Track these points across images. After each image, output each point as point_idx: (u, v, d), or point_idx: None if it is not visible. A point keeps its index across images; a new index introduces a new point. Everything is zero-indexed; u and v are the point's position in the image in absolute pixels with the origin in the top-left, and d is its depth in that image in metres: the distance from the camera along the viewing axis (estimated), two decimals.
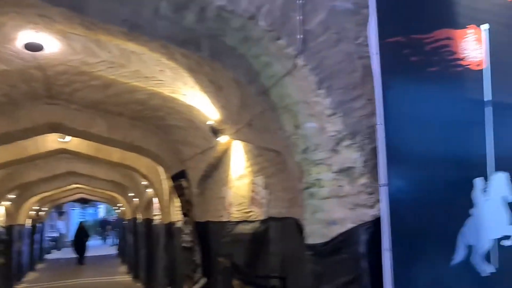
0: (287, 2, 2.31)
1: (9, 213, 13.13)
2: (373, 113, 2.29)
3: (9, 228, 13.13)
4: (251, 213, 4.23)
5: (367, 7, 2.31)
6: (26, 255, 16.43)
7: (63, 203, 26.07)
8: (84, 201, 25.72)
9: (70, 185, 14.23)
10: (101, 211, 38.91)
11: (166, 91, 4.72)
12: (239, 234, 4.48)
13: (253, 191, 4.18)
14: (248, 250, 4.21)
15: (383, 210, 2.21)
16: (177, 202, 7.58)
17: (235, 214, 4.68)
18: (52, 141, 7.52)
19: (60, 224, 31.63)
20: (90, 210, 39.76)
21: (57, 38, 3.95)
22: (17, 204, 13.73)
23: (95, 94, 5.28)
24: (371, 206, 2.33)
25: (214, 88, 4.09)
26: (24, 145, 7.20)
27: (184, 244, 6.38)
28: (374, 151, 2.31)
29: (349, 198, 2.39)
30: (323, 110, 2.36)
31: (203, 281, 5.76)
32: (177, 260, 7.70)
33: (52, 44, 4.03)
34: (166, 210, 8.18)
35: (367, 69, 2.33)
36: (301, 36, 2.30)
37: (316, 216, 2.69)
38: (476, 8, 2.67)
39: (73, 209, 36.16)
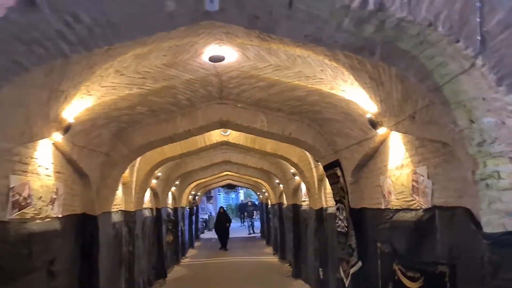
0: (465, 7, 2.46)
1: (174, 197, 15.18)
2: None
3: (174, 210, 15.19)
4: (412, 202, 4.39)
5: None
6: (186, 234, 18.75)
7: (212, 188, 28.80)
8: (229, 187, 28.07)
9: (222, 172, 15.78)
10: (241, 195, 41.79)
11: (325, 88, 5.10)
12: (400, 221, 4.68)
13: (414, 180, 4.33)
14: (411, 237, 4.40)
15: None
16: (328, 189, 8.01)
17: (394, 202, 4.88)
18: (216, 135, 8.58)
19: (209, 207, 34.94)
20: (232, 194, 43.07)
21: (236, 50, 4.61)
22: (180, 190, 15.77)
23: (259, 94, 5.93)
24: None
25: (375, 84, 4.34)
26: (195, 139, 8.36)
27: (339, 229, 6.77)
28: None
29: None
30: (504, 106, 2.47)
31: (359, 264, 6.09)
32: (328, 243, 8.15)
33: (231, 55, 4.72)
34: (316, 196, 8.67)
35: None
36: (480, 37, 2.44)
37: (494, 206, 2.80)
38: None
39: (219, 194, 39.62)
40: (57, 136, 4.65)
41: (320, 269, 8.66)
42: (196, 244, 22.35)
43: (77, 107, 4.75)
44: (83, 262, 5.86)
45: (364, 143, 5.40)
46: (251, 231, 27.79)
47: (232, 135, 8.70)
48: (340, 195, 6.62)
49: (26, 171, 4.28)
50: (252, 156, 11.82)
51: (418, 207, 4.27)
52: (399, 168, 4.74)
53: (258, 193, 24.20)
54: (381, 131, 4.78)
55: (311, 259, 9.67)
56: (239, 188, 34.47)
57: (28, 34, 2.59)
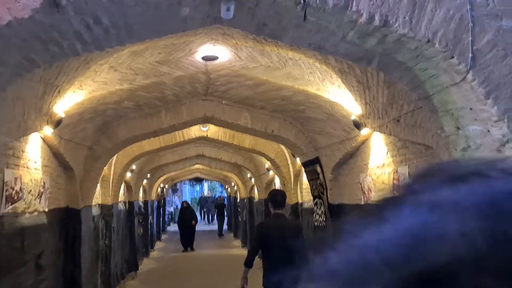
0: (459, 26, 2.73)
1: (145, 190, 15.10)
2: None
3: (145, 203, 15.12)
4: None
5: None
6: (154, 226, 18.65)
7: (179, 181, 28.64)
8: (197, 180, 27.99)
9: (193, 165, 15.83)
10: (205, 188, 41.68)
11: (311, 89, 5.33)
12: None
13: (396, 179, 4.65)
14: None
15: None
16: (304, 185, 8.30)
17: (374, 198, 5.20)
18: (195, 129, 8.65)
19: (175, 199, 34.76)
20: (197, 187, 42.90)
21: (229, 50, 4.75)
22: (151, 183, 15.68)
23: (246, 92, 6.10)
24: None
25: (362, 88, 4.61)
26: (174, 133, 8.40)
27: (316, 223, 7.07)
28: None
29: None
30: (490, 116, 2.77)
31: None
32: (305, 237, 8.44)
33: (224, 55, 4.85)
34: (292, 191, 8.94)
35: None
36: (471, 55, 2.72)
37: None
38: None
39: (185, 186, 39.42)
40: (48, 130, 4.65)
41: None
42: (164, 237, 22.25)
43: (68, 101, 4.76)
44: (66, 256, 5.86)
45: (346, 142, 5.69)
46: (221, 233, 22.71)
47: (211, 130, 8.81)
48: (318, 191, 6.91)
49: (18, 165, 4.27)
50: (226, 150, 11.97)
51: None
52: (380, 167, 5.05)
53: (227, 187, 24.33)
54: (364, 131, 5.07)
55: None
56: (204, 181, 34.20)
57: (48, 34, 2.65)
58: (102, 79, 4.81)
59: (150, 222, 16.62)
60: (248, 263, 5.15)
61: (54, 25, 2.58)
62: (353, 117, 5.00)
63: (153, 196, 17.56)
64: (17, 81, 3.16)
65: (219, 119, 6.67)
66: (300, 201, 8.74)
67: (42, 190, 4.93)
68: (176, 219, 28.36)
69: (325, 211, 6.71)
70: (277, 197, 5.21)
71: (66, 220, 5.83)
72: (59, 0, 2.42)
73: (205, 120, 6.90)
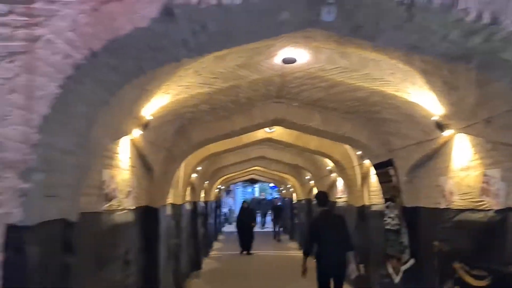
0: None
1: (206, 191, 15.46)
2: None
3: (205, 204, 15.47)
4: (481, 203, 4.53)
5: None
6: (212, 227, 19.03)
7: (233, 183, 29.01)
8: (252, 181, 28.17)
9: (252, 167, 15.99)
10: (256, 190, 41.84)
11: (389, 90, 5.24)
12: (465, 221, 4.82)
13: (484, 182, 4.47)
14: (478, 237, 4.54)
15: None
16: (372, 187, 8.16)
17: (457, 202, 5.02)
18: (261, 131, 8.75)
19: (229, 201, 35.27)
20: (249, 189, 43.21)
21: (309, 52, 4.78)
22: (211, 184, 16.04)
23: (319, 94, 6.09)
24: None
25: (447, 88, 4.47)
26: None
27: (388, 227, 6.93)
28: None
29: None
30: None
31: (411, 261, 6.24)
32: (372, 240, 8.31)
33: (303, 57, 4.88)
34: (358, 194, 8.81)
35: None
36: None
37: None
38: None
39: (238, 188, 39.88)
40: (136, 132, 4.89)
41: (361, 264, 8.81)
42: (220, 237, 22.65)
43: (154, 105, 4.99)
44: (146, 253, 6.12)
45: (425, 144, 5.53)
46: (278, 238, 21.80)
47: (276, 132, 8.88)
48: (391, 193, 6.76)
49: (112, 165, 4.53)
50: (287, 152, 12.01)
51: (488, 208, 4.40)
52: (465, 170, 4.87)
53: (281, 188, 24.36)
54: (447, 133, 4.91)
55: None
56: (256, 183, 34.21)
57: (158, 42, 2.80)
58: (185, 83, 5.00)
59: (209, 222, 16.97)
60: (306, 252, 6.63)
61: (166, 33, 2.72)
62: (435, 118, 4.87)
63: (212, 197, 17.93)
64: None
65: (290, 121, 6.71)
66: (367, 203, 8.59)
67: (130, 189, 5.20)
68: (231, 220, 28.77)
69: (398, 214, 6.56)
70: (321, 198, 6.86)
71: (146, 218, 6.10)
72: (173, 9, 2.56)
73: (275, 122, 6.97)
